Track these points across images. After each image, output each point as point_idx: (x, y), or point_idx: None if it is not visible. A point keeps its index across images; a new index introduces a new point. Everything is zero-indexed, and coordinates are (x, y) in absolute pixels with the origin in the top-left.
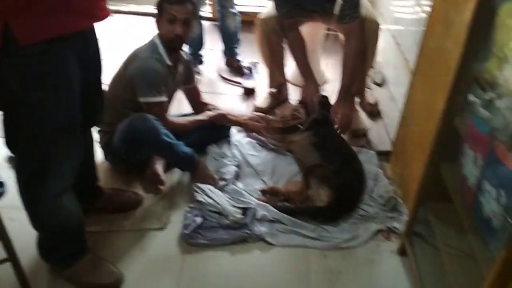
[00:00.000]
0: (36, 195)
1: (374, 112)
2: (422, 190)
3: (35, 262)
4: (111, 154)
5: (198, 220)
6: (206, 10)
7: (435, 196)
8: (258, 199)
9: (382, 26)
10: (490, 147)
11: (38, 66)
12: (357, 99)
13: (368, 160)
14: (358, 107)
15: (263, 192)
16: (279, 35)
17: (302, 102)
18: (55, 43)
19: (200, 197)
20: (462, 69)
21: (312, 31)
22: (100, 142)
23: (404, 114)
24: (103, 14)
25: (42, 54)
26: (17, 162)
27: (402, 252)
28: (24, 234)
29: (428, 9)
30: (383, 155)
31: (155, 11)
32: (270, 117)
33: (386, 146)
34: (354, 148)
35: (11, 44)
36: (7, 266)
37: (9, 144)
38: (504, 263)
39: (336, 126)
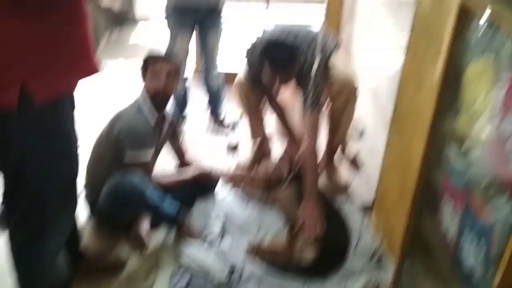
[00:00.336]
0: (33, 255)
1: (355, 165)
2: (405, 243)
3: None
4: (97, 213)
5: (184, 281)
6: (190, 70)
7: (419, 249)
8: (245, 257)
9: (359, 81)
10: (467, 200)
11: (47, 122)
12: (338, 152)
13: (350, 213)
14: (339, 160)
15: (249, 252)
16: (256, 96)
17: (284, 159)
18: (61, 98)
19: (186, 258)
20: (435, 124)
21: (292, 89)
22: (86, 202)
23: (384, 167)
24: (97, 68)
25: (51, 110)
26: (14, 223)
27: None
28: None
29: (400, 66)
30: (366, 208)
31: (141, 74)
32: (254, 172)
33: (368, 198)
34: (337, 201)
35: (25, 104)
36: None
37: (9, 206)
38: None
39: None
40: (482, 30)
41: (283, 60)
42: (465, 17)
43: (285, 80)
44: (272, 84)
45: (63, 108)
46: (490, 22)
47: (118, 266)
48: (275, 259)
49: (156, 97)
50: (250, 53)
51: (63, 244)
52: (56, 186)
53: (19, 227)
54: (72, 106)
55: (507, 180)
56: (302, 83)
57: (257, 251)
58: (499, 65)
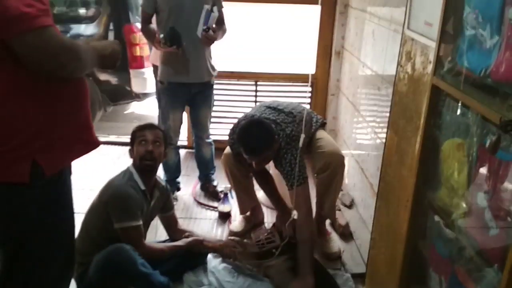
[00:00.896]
0: None
1: (346, 234)
2: None
3: None
4: (85, 286)
5: None
6: (182, 139)
7: None
8: None
9: (346, 152)
10: (452, 271)
11: (54, 192)
12: (328, 221)
13: (343, 283)
14: (330, 229)
15: None
16: (243, 168)
17: (276, 228)
18: (64, 168)
19: None
20: (418, 196)
21: None
22: (75, 273)
23: (373, 236)
24: (97, 142)
25: (57, 181)
26: None
27: None
28: None
29: (383, 139)
30: (358, 277)
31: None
32: (246, 241)
33: (360, 268)
34: (329, 271)
35: (35, 177)
36: None
37: (7, 277)
38: None
39: None
40: (453, 109)
41: (254, 148)
42: (438, 96)
43: (260, 163)
44: (253, 166)
45: (66, 178)
46: (460, 103)
47: None
48: None
49: (144, 164)
50: (231, 135)
51: None
52: (58, 254)
53: None
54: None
55: (487, 250)
56: (280, 165)
57: None
58: (470, 142)
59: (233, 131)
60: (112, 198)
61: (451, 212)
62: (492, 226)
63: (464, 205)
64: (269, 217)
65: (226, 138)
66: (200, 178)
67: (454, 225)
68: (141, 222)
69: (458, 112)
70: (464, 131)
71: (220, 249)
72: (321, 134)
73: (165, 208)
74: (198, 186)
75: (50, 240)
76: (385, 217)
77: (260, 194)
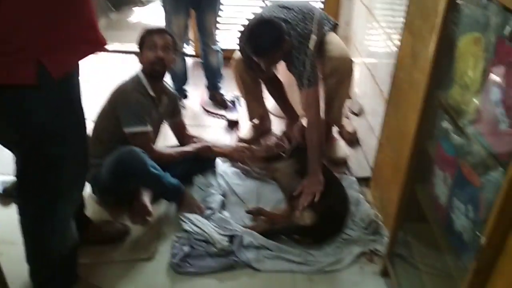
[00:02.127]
0: (45, 226)
1: (353, 141)
2: (400, 212)
3: None
4: (99, 187)
5: (186, 249)
6: (189, 47)
7: (413, 217)
8: (244, 227)
9: (357, 60)
10: (457, 167)
11: (63, 94)
12: (336, 128)
13: (349, 186)
14: (337, 136)
15: (249, 212)
16: (253, 73)
17: (285, 133)
18: (73, 72)
19: (187, 226)
20: (429, 97)
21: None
22: (87, 176)
23: (381, 141)
24: (103, 42)
25: (66, 83)
26: (26, 197)
27: (384, 273)
28: (12, 268)
29: (397, 43)
30: (363, 181)
31: (138, 49)
32: (254, 147)
33: (365, 172)
34: (336, 175)
35: (42, 79)
36: None
37: (22, 180)
38: (475, 274)
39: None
40: (474, 3)
41: (263, 48)
42: None
43: (270, 65)
44: (262, 67)
45: (75, 81)
46: None
47: (121, 235)
48: (273, 226)
49: (153, 69)
50: (241, 37)
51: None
52: (72, 155)
53: (33, 199)
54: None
55: (496, 147)
56: (291, 65)
57: (258, 212)
58: (488, 36)
59: (242, 33)
60: (121, 103)
61: (462, 109)
62: (503, 120)
63: (476, 101)
64: (277, 126)
65: (235, 46)
66: (207, 87)
67: (464, 123)
68: (149, 127)
69: (478, 4)
70: (483, 25)
71: (229, 154)
72: (331, 37)
73: (173, 114)
74: (206, 94)
75: (62, 143)
76: (394, 121)
77: (269, 103)
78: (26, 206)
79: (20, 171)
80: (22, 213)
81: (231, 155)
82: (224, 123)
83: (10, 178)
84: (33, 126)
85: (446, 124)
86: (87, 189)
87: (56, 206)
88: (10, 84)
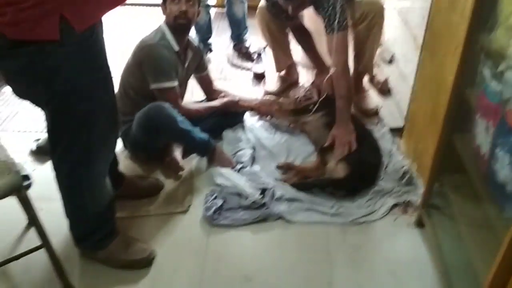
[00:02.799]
0: (80, 181)
1: (384, 90)
2: (436, 163)
3: (66, 248)
4: (130, 143)
5: (219, 202)
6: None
7: (450, 168)
8: (276, 180)
9: (388, 4)
10: (501, 115)
11: (87, 50)
12: (366, 78)
13: (381, 137)
14: (368, 86)
15: (279, 167)
16: (279, 23)
17: (313, 85)
18: (96, 26)
19: (219, 180)
20: (470, 41)
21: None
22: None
23: (415, 89)
24: None
25: (90, 38)
26: (59, 153)
27: (419, 224)
28: (52, 223)
29: None
30: (396, 132)
31: (161, 1)
32: (282, 100)
33: (398, 122)
34: (368, 127)
35: (65, 34)
36: (41, 252)
37: (54, 136)
38: None
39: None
40: None
41: None
42: None
43: (297, 8)
44: (289, 12)
45: (99, 35)
46: None
47: (156, 190)
48: (305, 179)
49: (177, 23)
50: None
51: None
52: (101, 110)
53: (65, 155)
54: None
55: None
56: (320, 8)
57: (288, 167)
58: None
59: None
60: (147, 59)
61: (507, 53)
62: None
63: None
64: (304, 77)
65: None
66: (232, 38)
67: (509, 68)
68: (176, 83)
69: None
70: None
71: (257, 108)
72: None
73: (199, 69)
74: (231, 47)
75: (90, 98)
76: (430, 68)
77: (297, 54)
78: (60, 162)
79: (51, 128)
80: (56, 169)
81: (259, 109)
82: (250, 76)
83: (43, 135)
84: (59, 83)
85: (488, 70)
86: (119, 145)
87: (89, 162)
88: (33, 40)
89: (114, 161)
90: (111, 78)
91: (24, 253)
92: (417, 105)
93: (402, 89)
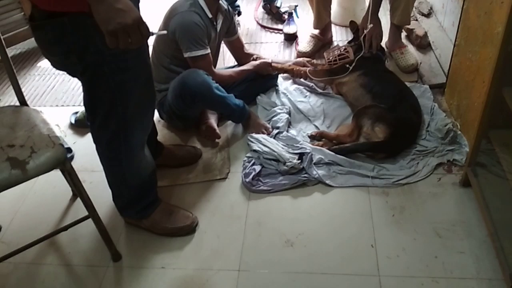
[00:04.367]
0: (120, 151)
1: (423, 45)
2: (484, 119)
3: (111, 218)
4: (166, 112)
5: (257, 168)
6: None
7: (498, 123)
8: (313, 144)
9: None
10: None
11: None
12: (404, 34)
13: (421, 95)
14: (406, 41)
15: (311, 137)
16: None
17: (349, 43)
18: None
19: (256, 146)
20: None
21: None
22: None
23: (458, 42)
24: None
25: None
26: (98, 124)
27: (465, 183)
28: (96, 194)
29: None
30: (437, 88)
31: None
32: (316, 60)
33: (439, 78)
34: (406, 84)
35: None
36: (88, 223)
37: (91, 108)
38: None
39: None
40: None
41: None
42: None
43: None
44: None
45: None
46: None
47: (194, 158)
48: (342, 143)
49: None
50: None
51: (146, 138)
52: (135, 80)
53: (104, 127)
54: None
55: None
56: None
57: (320, 137)
58: None
59: None
60: (179, 27)
61: None
62: None
63: None
64: (338, 37)
65: None
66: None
67: None
68: (209, 50)
69: None
70: None
71: (290, 69)
72: None
73: (229, 33)
74: (260, 8)
75: (124, 69)
76: (474, 19)
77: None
78: (99, 134)
79: (88, 100)
80: (96, 141)
81: (292, 71)
82: (281, 37)
83: (81, 109)
84: (92, 54)
85: None
86: (155, 115)
87: (126, 133)
88: (64, 11)
89: (153, 131)
90: (145, 47)
91: (72, 224)
92: (460, 59)
93: (443, 42)
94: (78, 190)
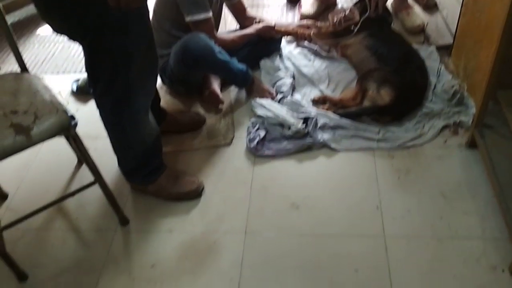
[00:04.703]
0: (124, 116)
1: (430, 5)
2: (492, 79)
3: (117, 184)
4: (168, 78)
5: (262, 133)
6: None
7: (507, 84)
8: (317, 108)
9: None
10: None
11: None
12: None
13: (428, 56)
14: (412, 2)
15: (314, 102)
16: None
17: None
18: None
19: (260, 111)
20: None
21: None
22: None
23: (466, 1)
24: None
25: None
26: (100, 89)
27: (471, 145)
28: (101, 160)
29: None
30: (444, 49)
31: None
32: (320, 22)
33: (446, 39)
34: (413, 46)
35: None
36: (94, 188)
37: (93, 74)
38: None
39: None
40: None
41: None
42: None
43: None
44: None
45: None
46: None
47: (198, 124)
48: (346, 107)
49: None
50: None
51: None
52: (137, 45)
53: (106, 93)
54: None
55: None
56: None
57: (323, 101)
58: None
59: None
60: None
61: None
62: None
63: None
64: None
65: None
66: None
67: None
68: (211, 14)
69: None
70: None
71: (294, 32)
72: None
73: None
74: None
75: (125, 33)
76: None
77: None
78: (101, 100)
79: (89, 65)
80: (99, 107)
81: (296, 33)
82: (284, 0)
83: (82, 76)
84: (91, 18)
85: None
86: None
87: (129, 98)
88: None
89: (156, 96)
90: (145, 10)
91: (78, 190)
92: (468, 19)
93: (450, 3)
94: (83, 155)
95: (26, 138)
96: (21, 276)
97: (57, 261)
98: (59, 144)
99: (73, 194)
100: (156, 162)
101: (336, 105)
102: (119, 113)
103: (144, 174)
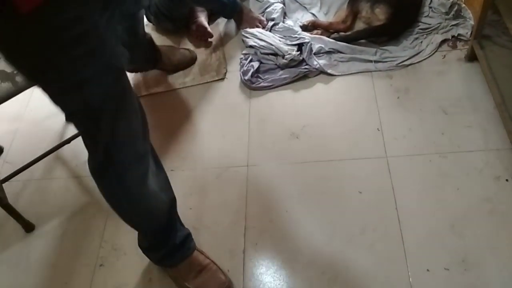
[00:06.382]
0: (113, 182)
1: None
2: None
3: None
4: (154, 14)
5: (255, 64)
6: None
7: None
8: (311, 33)
9: None
10: None
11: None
12: None
13: None
14: None
15: (304, 28)
16: None
17: None
18: None
19: (252, 41)
20: None
21: None
22: None
23: None
24: None
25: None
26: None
27: (471, 58)
28: None
29: None
30: None
31: None
32: None
33: None
34: None
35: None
36: None
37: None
38: None
39: None
40: None
41: None
42: None
43: None
44: None
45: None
46: None
47: (189, 61)
48: (337, 31)
49: None
50: None
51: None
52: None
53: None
54: None
55: None
56: None
57: (313, 26)
58: None
59: None
60: None
61: None
62: None
63: None
64: None
65: None
66: None
67: None
68: None
69: None
70: None
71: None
72: None
73: None
74: None
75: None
76: None
77: None
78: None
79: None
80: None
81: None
82: None
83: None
84: (42, 62)
85: None
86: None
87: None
88: None
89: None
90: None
91: (74, 136)
92: None
93: None
94: None
95: (12, 84)
96: (28, 226)
97: (62, 209)
98: None
99: (69, 141)
100: (171, 242)
101: (327, 30)
102: (107, 178)
103: (160, 256)
